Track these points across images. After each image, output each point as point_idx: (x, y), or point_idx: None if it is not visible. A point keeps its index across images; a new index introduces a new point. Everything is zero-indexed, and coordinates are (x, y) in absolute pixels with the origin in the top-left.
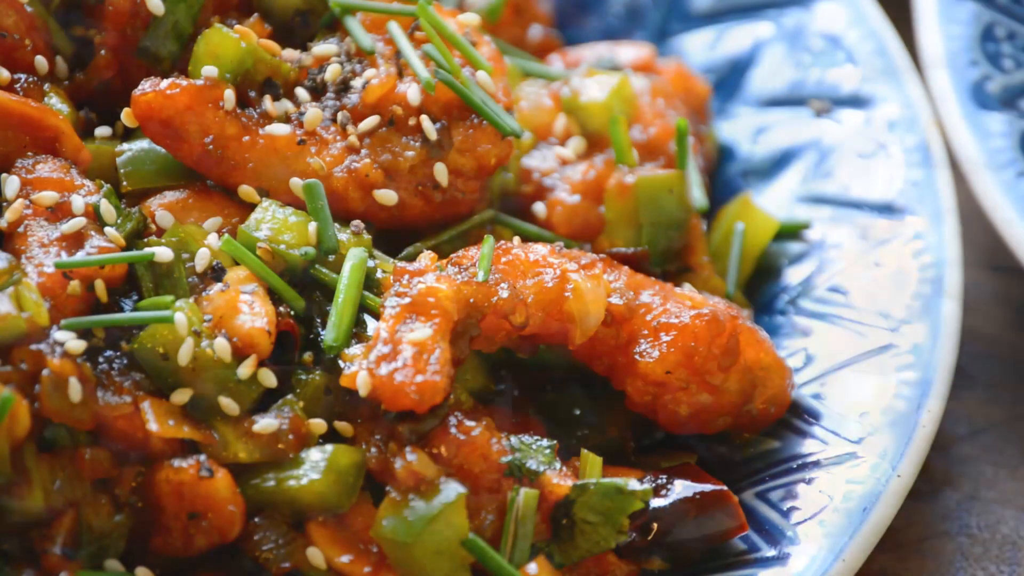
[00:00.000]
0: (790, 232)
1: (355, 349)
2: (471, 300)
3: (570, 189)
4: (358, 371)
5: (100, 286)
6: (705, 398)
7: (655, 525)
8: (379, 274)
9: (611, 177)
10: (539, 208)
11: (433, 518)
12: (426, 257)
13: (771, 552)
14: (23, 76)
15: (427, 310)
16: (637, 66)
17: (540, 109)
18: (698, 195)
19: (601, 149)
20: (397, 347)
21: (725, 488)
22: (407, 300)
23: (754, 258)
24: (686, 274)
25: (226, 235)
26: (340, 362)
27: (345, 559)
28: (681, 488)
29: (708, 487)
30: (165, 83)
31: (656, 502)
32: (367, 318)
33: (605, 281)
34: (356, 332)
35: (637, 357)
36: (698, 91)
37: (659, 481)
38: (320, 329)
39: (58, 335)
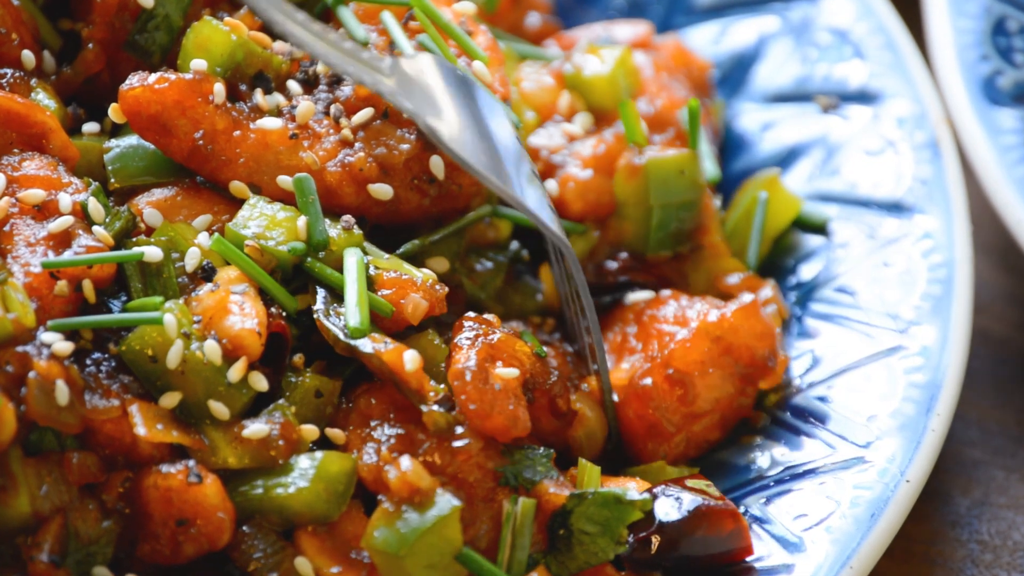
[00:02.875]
0: (807, 224)
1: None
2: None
3: (581, 164)
4: (401, 348)
5: (88, 286)
6: (708, 419)
7: (656, 538)
8: (372, 271)
9: (621, 157)
10: (551, 185)
11: (427, 531)
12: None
13: (777, 559)
14: (9, 71)
15: (509, 358)
16: (635, 44)
17: (542, 88)
18: (710, 166)
19: (609, 123)
20: (489, 374)
21: (734, 507)
22: (493, 339)
23: (772, 237)
24: (698, 251)
25: (216, 234)
26: (370, 344)
27: (335, 570)
28: (689, 502)
29: (718, 504)
30: (153, 77)
31: (663, 516)
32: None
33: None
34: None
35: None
36: (699, 65)
37: (666, 493)
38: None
39: (45, 336)
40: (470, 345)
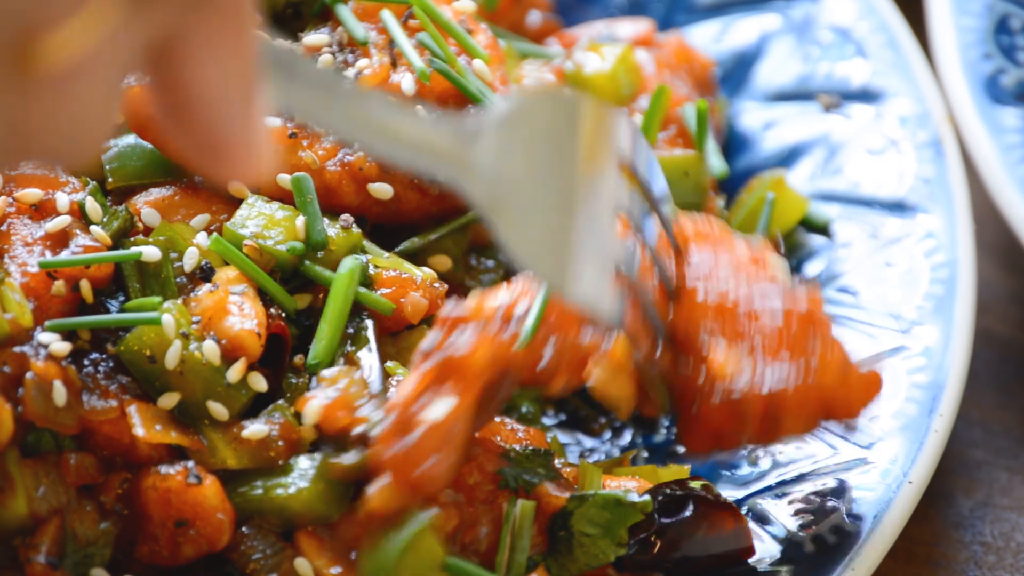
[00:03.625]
0: (809, 225)
1: (331, 371)
2: (508, 366)
3: None
4: (313, 398)
5: (86, 286)
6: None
7: (657, 539)
8: (372, 270)
9: None
10: None
11: (404, 550)
12: (474, 297)
13: (779, 561)
14: None
15: (458, 377)
16: (637, 41)
17: (544, 85)
18: (716, 162)
19: None
20: (412, 420)
21: (735, 507)
22: (441, 357)
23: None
24: None
25: (215, 234)
26: (314, 381)
27: (334, 571)
28: (690, 503)
29: (718, 504)
30: None
31: (663, 516)
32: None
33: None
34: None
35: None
36: (701, 63)
37: (667, 494)
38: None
39: (42, 337)
40: (413, 386)
